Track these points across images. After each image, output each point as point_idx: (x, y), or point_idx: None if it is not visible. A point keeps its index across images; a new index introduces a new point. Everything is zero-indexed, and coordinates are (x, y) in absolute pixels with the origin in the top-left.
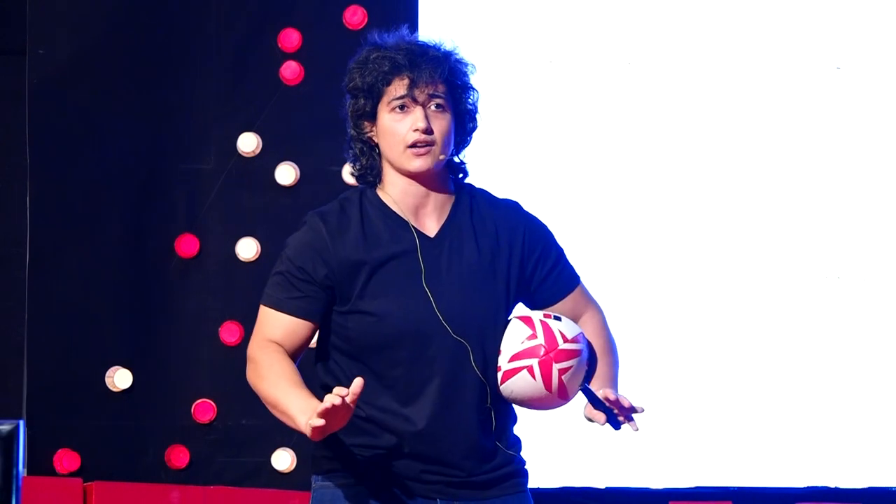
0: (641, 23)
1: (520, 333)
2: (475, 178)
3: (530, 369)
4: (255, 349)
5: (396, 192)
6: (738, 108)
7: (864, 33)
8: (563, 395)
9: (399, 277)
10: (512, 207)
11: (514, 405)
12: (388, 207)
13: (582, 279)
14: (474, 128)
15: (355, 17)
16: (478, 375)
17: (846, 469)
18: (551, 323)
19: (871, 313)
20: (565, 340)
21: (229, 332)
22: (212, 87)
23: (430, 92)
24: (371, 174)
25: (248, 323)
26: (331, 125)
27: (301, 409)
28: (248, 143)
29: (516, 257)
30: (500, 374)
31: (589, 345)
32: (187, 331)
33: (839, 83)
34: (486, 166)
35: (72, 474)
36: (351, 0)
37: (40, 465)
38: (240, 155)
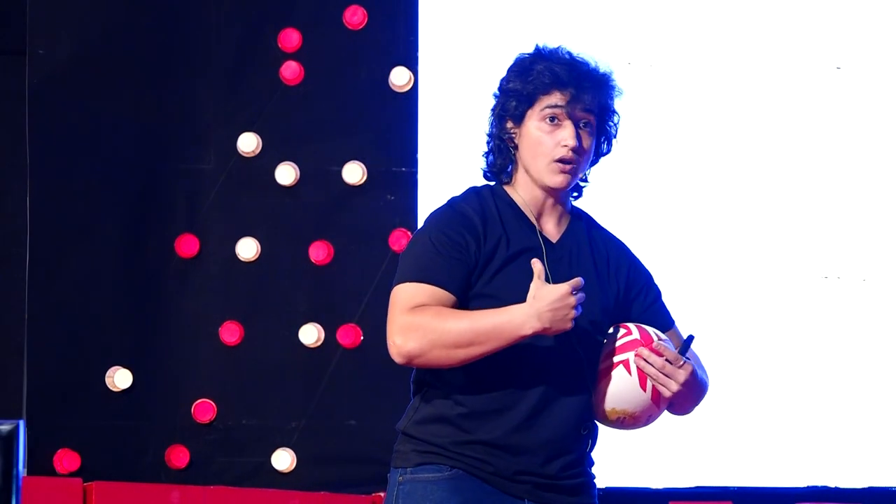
0: (641, 23)
1: (615, 334)
2: (478, 178)
3: (626, 363)
4: (407, 317)
5: (526, 195)
6: (739, 108)
7: (864, 33)
8: (655, 398)
9: (526, 272)
10: (621, 246)
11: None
12: (517, 206)
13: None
14: (609, 151)
15: (355, 17)
16: (586, 384)
17: (846, 469)
18: (645, 326)
19: (871, 313)
20: (660, 339)
21: (229, 332)
22: (212, 87)
23: (585, 111)
24: (503, 173)
25: (248, 323)
26: (331, 125)
27: (524, 311)
28: (248, 143)
29: (622, 288)
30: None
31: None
32: (187, 331)
33: (839, 83)
34: None
35: (72, 474)
36: (351, 0)
37: (40, 465)
38: (240, 155)
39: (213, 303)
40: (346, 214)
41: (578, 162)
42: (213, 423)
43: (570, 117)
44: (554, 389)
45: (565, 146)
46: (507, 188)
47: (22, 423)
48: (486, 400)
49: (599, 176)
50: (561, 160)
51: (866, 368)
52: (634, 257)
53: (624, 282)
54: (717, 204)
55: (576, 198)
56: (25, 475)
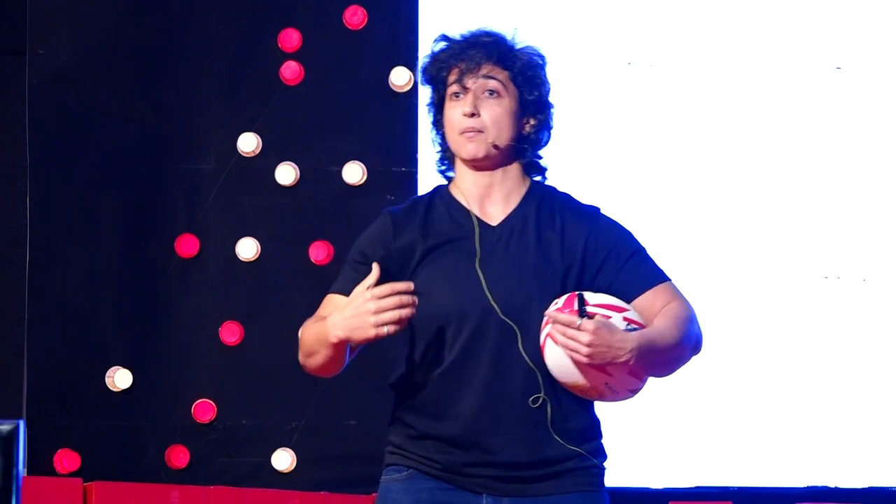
0: (641, 23)
1: (551, 306)
2: None
3: (551, 335)
4: (303, 327)
5: (464, 183)
6: (739, 108)
7: (864, 33)
8: (591, 365)
9: (452, 261)
10: (586, 212)
11: (591, 400)
12: (455, 199)
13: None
14: (544, 124)
15: (355, 17)
16: (527, 361)
17: (846, 469)
18: (586, 293)
19: (871, 313)
20: (586, 304)
21: (229, 332)
22: (212, 87)
23: (480, 78)
24: (445, 164)
25: (249, 323)
26: (331, 125)
27: (331, 320)
28: (248, 143)
29: (577, 261)
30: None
31: (635, 326)
32: (187, 331)
33: (839, 83)
34: None
35: (72, 474)
36: (351, 0)
37: (40, 465)
38: (240, 155)
39: (213, 303)
40: (346, 214)
41: (484, 128)
42: (213, 423)
43: (467, 89)
44: (492, 374)
45: (464, 115)
46: (451, 187)
47: (22, 423)
48: (426, 394)
49: (599, 175)
50: (461, 130)
51: (866, 368)
52: (602, 223)
53: (581, 252)
54: (717, 204)
55: (537, 175)
56: (25, 475)
